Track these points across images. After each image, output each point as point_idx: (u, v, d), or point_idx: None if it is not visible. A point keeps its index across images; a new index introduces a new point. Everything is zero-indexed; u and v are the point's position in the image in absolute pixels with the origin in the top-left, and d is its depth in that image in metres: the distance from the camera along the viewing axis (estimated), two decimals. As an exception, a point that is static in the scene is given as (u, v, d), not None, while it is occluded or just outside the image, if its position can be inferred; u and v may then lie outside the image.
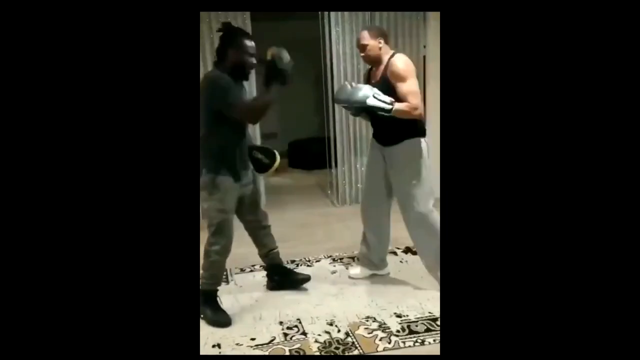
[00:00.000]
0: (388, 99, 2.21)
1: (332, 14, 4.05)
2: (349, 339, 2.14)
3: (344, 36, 4.12)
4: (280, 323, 2.31)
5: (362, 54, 2.40)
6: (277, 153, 2.39)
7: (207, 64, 3.92)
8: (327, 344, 2.11)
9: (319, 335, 2.18)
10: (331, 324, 2.27)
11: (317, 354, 2.04)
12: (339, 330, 2.21)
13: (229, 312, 2.38)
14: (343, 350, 2.05)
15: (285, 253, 3.18)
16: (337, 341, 2.13)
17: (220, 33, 2.21)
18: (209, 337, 2.21)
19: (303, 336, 2.18)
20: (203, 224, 2.21)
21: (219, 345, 2.13)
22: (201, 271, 2.33)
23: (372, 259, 2.73)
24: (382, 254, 2.75)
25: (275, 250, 2.62)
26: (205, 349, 2.10)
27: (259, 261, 3.09)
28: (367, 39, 2.35)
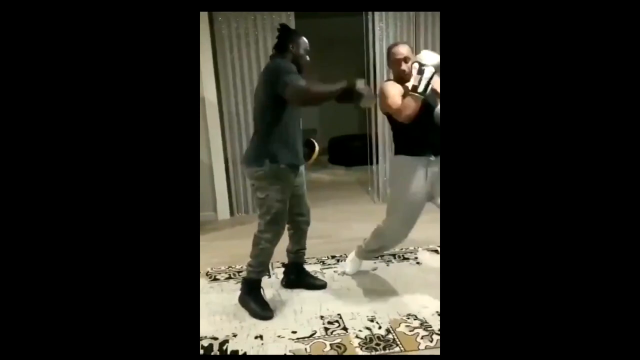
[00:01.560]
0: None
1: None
2: (390, 336, 2.13)
3: (388, 32, 4.09)
4: (321, 317, 2.33)
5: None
6: (316, 143, 2.42)
7: (250, 59, 3.98)
8: (368, 340, 2.11)
9: (360, 331, 2.19)
10: (372, 320, 2.27)
11: (358, 349, 2.04)
12: (379, 327, 2.21)
13: (270, 304, 2.42)
14: (384, 347, 2.05)
15: (326, 249, 3.21)
16: (378, 337, 2.13)
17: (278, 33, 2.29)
18: (251, 328, 2.25)
19: (344, 331, 2.19)
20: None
21: (261, 337, 2.17)
22: (249, 259, 2.38)
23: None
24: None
25: (303, 251, 2.65)
26: (248, 341, 2.15)
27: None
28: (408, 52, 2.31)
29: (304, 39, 2.27)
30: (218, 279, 2.85)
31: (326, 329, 2.22)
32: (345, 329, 2.22)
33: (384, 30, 4.08)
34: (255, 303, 2.38)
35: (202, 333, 2.23)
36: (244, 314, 2.38)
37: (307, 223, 2.57)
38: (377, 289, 2.62)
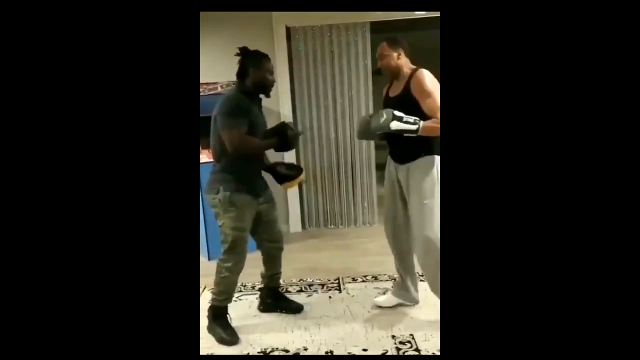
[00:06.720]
0: (412, 118, 2.11)
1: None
2: (466, 362, 2.03)
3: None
4: (393, 337, 2.28)
5: (380, 64, 2.36)
6: (302, 168, 2.49)
7: (325, 75, 4.03)
8: (442, 364, 2.02)
9: (433, 354, 2.11)
10: (446, 344, 2.18)
11: (431, 373, 1.97)
12: (454, 351, 2.12)
13: (340, 320, 2.40)
14: (459, 373, 1.96)
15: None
16: (453, 362, 2.04)
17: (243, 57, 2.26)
18: (322, 343, 2.25)
19: (416, 352, 2.13)
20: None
21: (331, 352, 2.16)
22: (213, 286, 2.35)
23: (403, 287, 2.58)
24: (412, 282, 2.58)
25: (278, 275, 2.60)
26: (318, 355, 2.14)
27: (369, 271, 3.10)
28: (385, 49, 2.33)
29: (267, 61, 2.24)
30: (290, 292, 2.88)
31: (398, 349, 2.16)
32: (417, 350, 2.15)
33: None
34: (221, 329, 2.34)
35: (274, 345, 2.26)
36: (316, 328, 2.39)
37: (278, 249, 2.53)
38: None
